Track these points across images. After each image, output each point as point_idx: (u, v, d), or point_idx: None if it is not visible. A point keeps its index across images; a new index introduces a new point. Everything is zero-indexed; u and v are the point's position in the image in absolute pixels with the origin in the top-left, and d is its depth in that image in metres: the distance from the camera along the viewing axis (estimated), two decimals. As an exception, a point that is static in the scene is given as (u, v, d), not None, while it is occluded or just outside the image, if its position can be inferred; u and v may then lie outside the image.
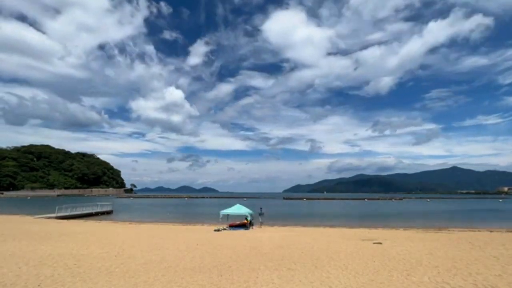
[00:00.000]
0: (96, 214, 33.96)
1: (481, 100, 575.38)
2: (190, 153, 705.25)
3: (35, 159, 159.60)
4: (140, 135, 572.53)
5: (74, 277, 7.16)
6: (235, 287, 6.56)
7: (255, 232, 18.96)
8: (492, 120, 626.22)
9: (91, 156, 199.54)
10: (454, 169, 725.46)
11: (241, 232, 18.81)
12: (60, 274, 7.41)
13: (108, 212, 36.72)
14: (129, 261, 9.09)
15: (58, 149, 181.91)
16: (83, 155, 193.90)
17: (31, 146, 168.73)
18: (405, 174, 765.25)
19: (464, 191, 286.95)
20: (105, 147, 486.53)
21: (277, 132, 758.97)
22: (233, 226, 20.45)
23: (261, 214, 23.83)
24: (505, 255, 10.47)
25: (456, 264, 8.94)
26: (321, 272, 7.90)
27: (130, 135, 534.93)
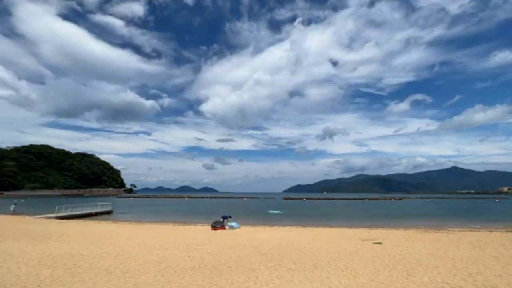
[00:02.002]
0: (96, 214, 33.90)
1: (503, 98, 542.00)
2: (195, 153, 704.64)
3: (35, 159, 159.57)
4: (146, 133, 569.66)
5: (74, 277, 7.15)
6: (235, 287, 6.55)
7: (255, 232, 18.95)
8: (509, 119, 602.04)
9: (91, 156, 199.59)
10: (454, 169, 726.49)
11: (241, 232, 18.79)
12: (60, 274, 7.41)
13: (108, 212, 36.66)
14: (129, 261, 9.08)
15: (58, 149, 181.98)
16: (83, 155, 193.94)
17: (31, 146, 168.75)
18: (405, 174, 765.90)
19: (464, 191, 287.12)
20: (109, 147, 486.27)
21: (284, 131, 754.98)
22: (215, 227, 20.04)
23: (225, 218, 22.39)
24: (505, 255, 10.47)
25: (456, 264, 8.93)
26: (321, 272, 7.89)
27: (136, 133, 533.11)
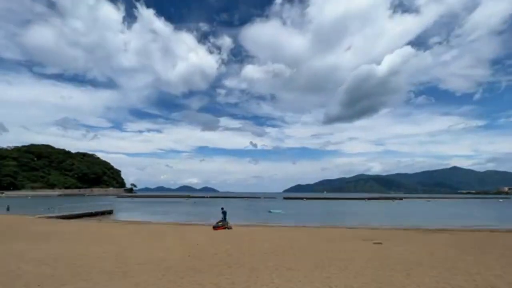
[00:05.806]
0: (97, 214, 33.94)
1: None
2: (199, 152, 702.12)
3: (35, 158, 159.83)
4: (157, 131, 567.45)
5: (75, 277, 7.16)
6: (235, 287, 6.55)
7: (256, 232, 18.97)
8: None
9: (91, 156, 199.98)
10: (455, 169, 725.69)
11: (241, 232, 18.81)
12: (61, 274, 7.42)
13: (109, 212, 36.70)
14: (130, 261, 9.10)
15: (58, 149, 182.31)
16: (83, 155, 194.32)
17: (31, 145, 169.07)
18: (406, 174, 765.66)
19: (465, 191, 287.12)
20: (115, 146, 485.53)
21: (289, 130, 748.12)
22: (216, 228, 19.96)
23: (223, 213, 20.83)
24: (505, 255, 10.46)
25: (456, 264, 8.93)
26: (321, 272, 7.90)
27: (142, 133, 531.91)
